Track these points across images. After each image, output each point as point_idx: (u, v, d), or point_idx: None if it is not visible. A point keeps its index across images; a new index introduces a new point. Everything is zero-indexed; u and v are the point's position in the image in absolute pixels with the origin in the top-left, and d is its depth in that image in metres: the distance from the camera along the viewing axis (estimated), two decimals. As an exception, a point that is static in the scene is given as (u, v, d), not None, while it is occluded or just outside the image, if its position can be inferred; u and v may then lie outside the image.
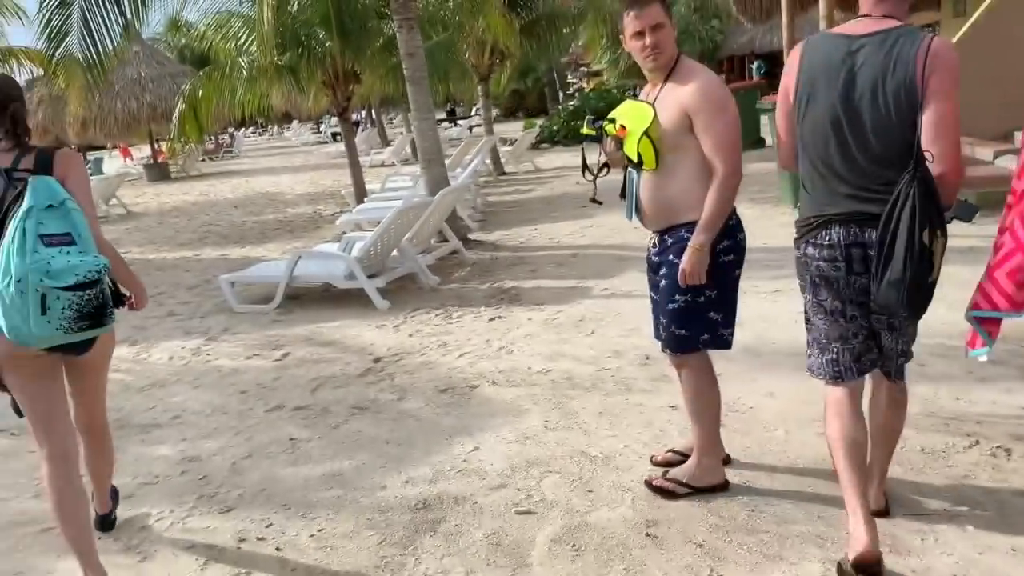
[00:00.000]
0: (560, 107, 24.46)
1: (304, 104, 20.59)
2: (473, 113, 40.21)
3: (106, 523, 3.23)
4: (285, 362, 5.38)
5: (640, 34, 2.87)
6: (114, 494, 3.27)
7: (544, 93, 35.19)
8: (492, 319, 5.86)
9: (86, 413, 2.96)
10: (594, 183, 3.24)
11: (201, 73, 11.02)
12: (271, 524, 3.21)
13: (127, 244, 11.63)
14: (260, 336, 6.05)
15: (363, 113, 43.28)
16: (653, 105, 2.91)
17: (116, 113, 23.32)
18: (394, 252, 7.06)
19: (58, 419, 2.72)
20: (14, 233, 2.39)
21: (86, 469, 3.00)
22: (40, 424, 2.69)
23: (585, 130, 3.14)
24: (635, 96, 3.19)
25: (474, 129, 31.15)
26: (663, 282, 3.02)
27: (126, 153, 40.73)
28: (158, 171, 25.72)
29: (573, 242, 8.36)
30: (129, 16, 8.86)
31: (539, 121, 24.52)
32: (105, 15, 8.73)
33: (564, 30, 16.45)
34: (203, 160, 29.46)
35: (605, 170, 3.24)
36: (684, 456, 3.32)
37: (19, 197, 2.46)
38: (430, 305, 6.43)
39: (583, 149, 3.22)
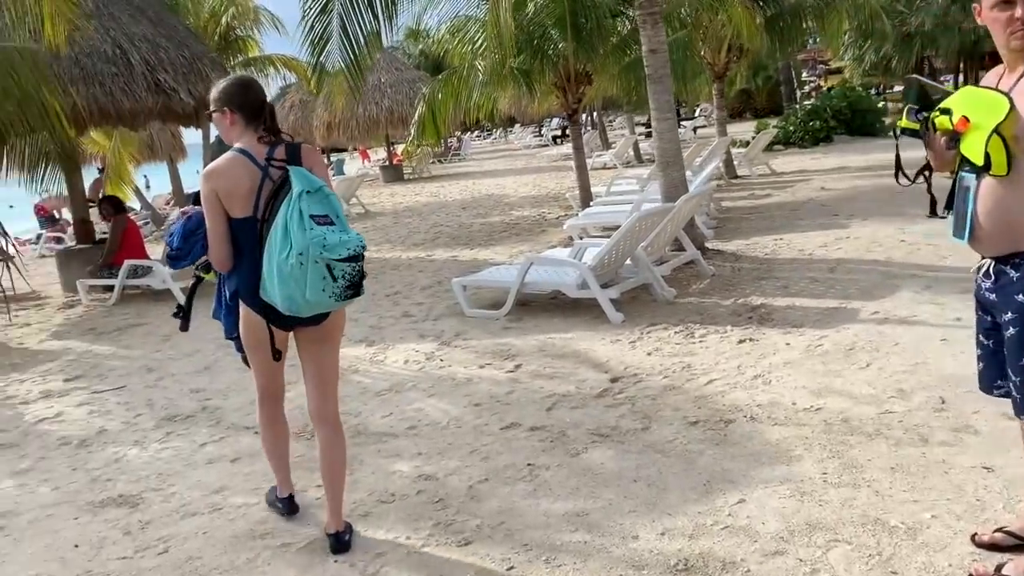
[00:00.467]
0: (796, 107, 22.88)
1: (529, 107, 20.76)
2: (697, 114, 39.01)
3: (340, 543, 3.10)
4: (517, 374, 5.14)
5: (1009, 2, 2.23)
6: (348, 529, 3.19)
7: (775, 92, 33.28)
8: (741, 341, 5.28)
9: (319, 395, 3.11)
10: (929, 191, 2.61)
11: (440, 77, 11.26)
12: (512, 567, 2.90)
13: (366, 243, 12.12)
14: (491, 344, 5.88)
15: (584, 116, 43.43)
16: (1009, 96, 2.26)
17: (358, 117, 24.84)
18: (627, 261, 6.66)
19: (278, 375, 3.21)
20: (290, 213, 2.69)
21: (321, 469, 3.15)
22: (266, 383, 3.20)
23: (905, 122, 2.53)
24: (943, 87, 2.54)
25: (698, 130, 30.14)
26: (1011, 331, 2.35)
27: (365, 155, 43.70)
28: (393, 172, 27.18)
29: (827, 255, 7.51)
30: (381, 21, 9.16)
31: (772, 122, 23.09)
32: (360, 20, 9.11)
33: (807, 23, 15.23)
34: (433, 162, 30.80)
35: (927, 173, 2.62)
36: (1020, 540, 2.62)
37: (282, 184, 2.81)
38: (668, 320, 5.95)
39: (897, 146, 2.61)
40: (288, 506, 3.40)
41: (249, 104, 2.94)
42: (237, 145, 2.92)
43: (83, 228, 10.69)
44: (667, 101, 8.01)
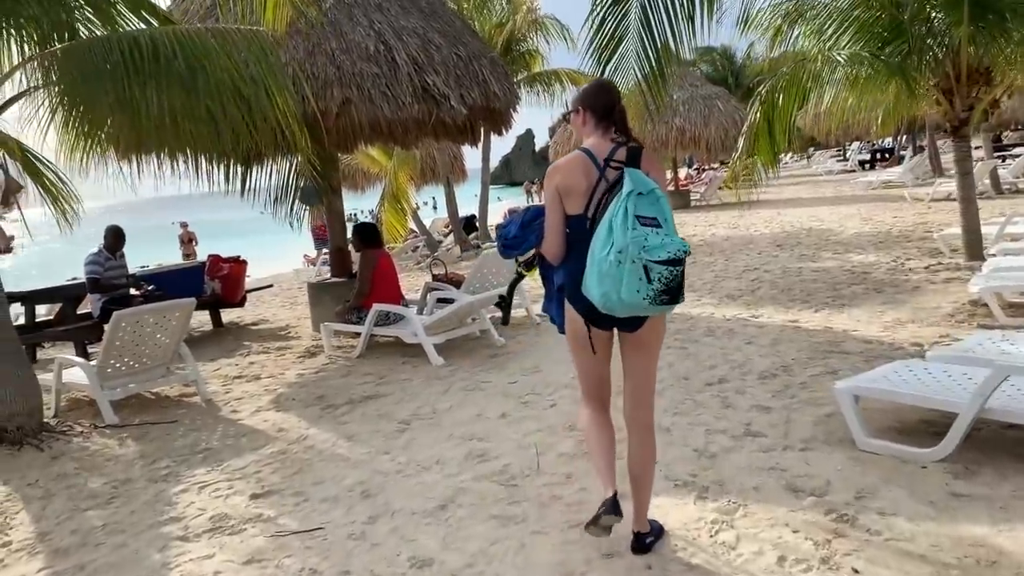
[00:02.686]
0: None
1: (855, 121, 17.12)
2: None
3: (640, 543, 3.16)
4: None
5: None
6: (659, 530, 3.27)
7: None
8: None
9: (634, 401, 3.11)
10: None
11: (782, 71, 8.43)
12: None
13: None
14: (939, 532, 3.06)
15: (902, 138, 37.72)
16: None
17: (644, 136, 22.59)
18: None
19: (603, 377, 3.16)
20: (617, 211, 2.74)
21: (628, 468, 3.13)
22: (589, 383, 3.17)
23: None
24: None
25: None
26: None
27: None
28: (679, 198, 24.48)
29: None
30: (699, 14, 6.67)
31: None
32: (670, 8, 6.70)
33: None
34: (721, 188, 27.64)
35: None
36: None
37: (615, 184, 2.86)
38: None
39: None
40: (613, 507, 2.93)
41: (601, 105, 3.05)
42: (583, 144, 3.04)
43: (339, 258, 9.29)
44: None
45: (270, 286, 13.70)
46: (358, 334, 7.48)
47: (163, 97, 5.45)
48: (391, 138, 8.62)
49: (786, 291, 8.65)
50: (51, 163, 6.52)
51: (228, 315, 10.92)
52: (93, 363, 6.04)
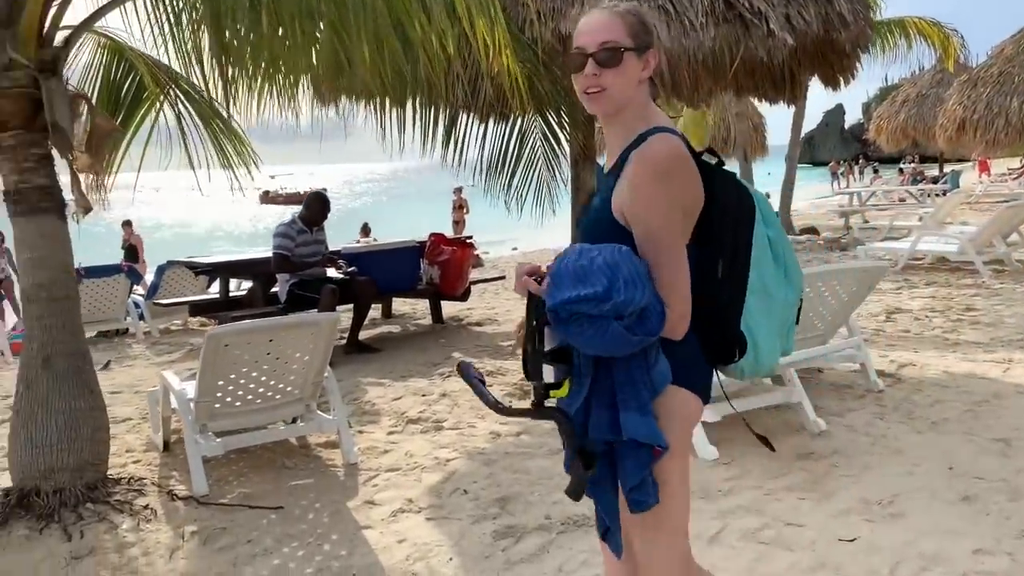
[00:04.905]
0: None
1: None
2: None
3: None
4: None
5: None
6: None
7: None
8: None
9: None
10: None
11: None
12: None
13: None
14: None
15: None
16: None
17: (1008, 114, 17.40)
18: None
19: None
20: (779, 234, 1.96)
21: None
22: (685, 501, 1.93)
23: None
24: None
25: None
26: None
27: (984, 167, 34.36)
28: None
29: None
30: None
31: None
32: None
33: None
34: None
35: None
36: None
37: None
38: None
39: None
40: None
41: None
42: (657, 120, 1.90)
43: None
44: None
45: (502, 278, 10.73)
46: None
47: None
48: (673, 88, 5.87)
49: None
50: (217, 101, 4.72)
51: (453, 308, 8.88)
52: (190, 393, 4.08)
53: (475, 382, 1.89)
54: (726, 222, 1.85)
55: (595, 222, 1.88)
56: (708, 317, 1.85)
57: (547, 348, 1.78)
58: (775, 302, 1.93)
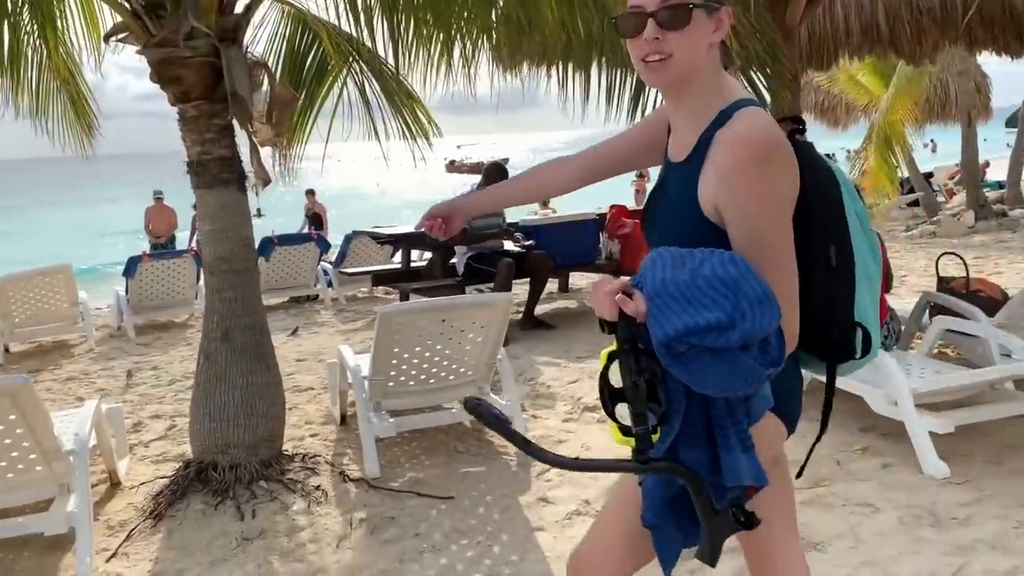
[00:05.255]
0: None
1: None
2: None
3: None
4: None
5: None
6: None
7: None
8: None
9: None
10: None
11: None
12: None
13: None
14: None
15: None
16: None
17: None
18: None
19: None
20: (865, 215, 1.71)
21: None
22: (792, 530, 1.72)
23: None
24: None
25: None
26: None
27: None
28: None
29: None
30: None
31: None
32: None
33: None
34: None
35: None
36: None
37: None
38: None
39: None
40: None
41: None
42: (739, 93, 1.55)
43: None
44: None
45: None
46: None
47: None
48: (891, 43, 5.09)
49: None
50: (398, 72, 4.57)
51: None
52: (365, 369, 3.95)
53: (508, 429, 1.46)
54: (825, 202, 1.55)
55: (672, 219, 1.55)
56: (820, 313, 1.55)
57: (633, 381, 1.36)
58: (874, 281, 1.64)
